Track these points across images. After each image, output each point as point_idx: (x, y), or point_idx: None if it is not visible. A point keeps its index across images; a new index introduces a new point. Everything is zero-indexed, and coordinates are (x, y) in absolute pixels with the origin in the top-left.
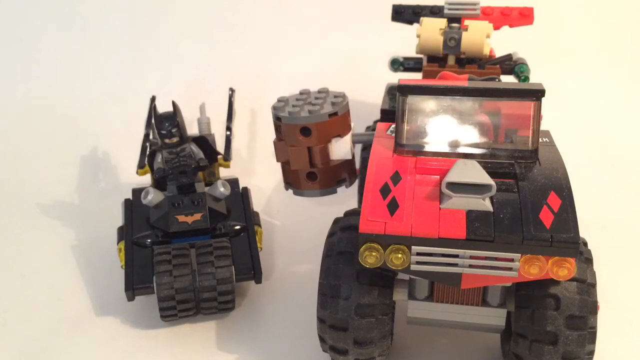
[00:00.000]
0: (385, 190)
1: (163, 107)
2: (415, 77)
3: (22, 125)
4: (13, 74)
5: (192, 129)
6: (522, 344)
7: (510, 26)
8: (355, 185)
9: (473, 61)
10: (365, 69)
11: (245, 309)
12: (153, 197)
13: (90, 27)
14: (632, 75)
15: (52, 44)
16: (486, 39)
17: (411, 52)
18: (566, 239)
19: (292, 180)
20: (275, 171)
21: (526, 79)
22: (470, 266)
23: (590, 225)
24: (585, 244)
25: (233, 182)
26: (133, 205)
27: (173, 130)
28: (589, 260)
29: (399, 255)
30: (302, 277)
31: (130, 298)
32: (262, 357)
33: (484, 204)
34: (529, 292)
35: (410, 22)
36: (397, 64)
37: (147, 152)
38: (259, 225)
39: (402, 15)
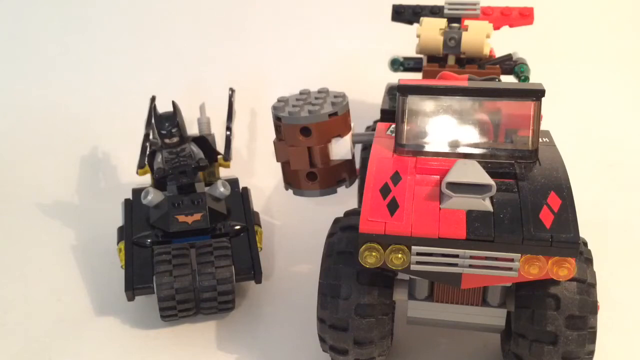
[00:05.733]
0: (385, 190)
1: (163, 107)
2: (415, 77)
3: (22, 125)
4: (13, 73)
5: (192, 129)
6: (522, 344)
7: (510, 26)
8: (355, 185)
9: (473, 61)
10: (365, 69)
11: (245, 309)
12: (153, 197)
13: (90, 27)
14: (632, 75)
15: (53, 44)
16: (486, 39)
17: (411, 52)
18: (566, 239)
19: (292, 180)
20: (275, 171)
21: (526, 79)
22: (470, 266)
23: (590, 225)
24: (585, 244)
25: (233, 182)
26: (133, 205)
27: (173, 130)
28: (589, 260)
29: (399, 255)
30: (302, 277)
31: (130, 298)
32: (262, 357)
33: (484, 204)
34: (529, 292)
35: (410, 22)
36: (397, 64)
37: (147, 152)
38: (259, 225)
39: (402, 15)
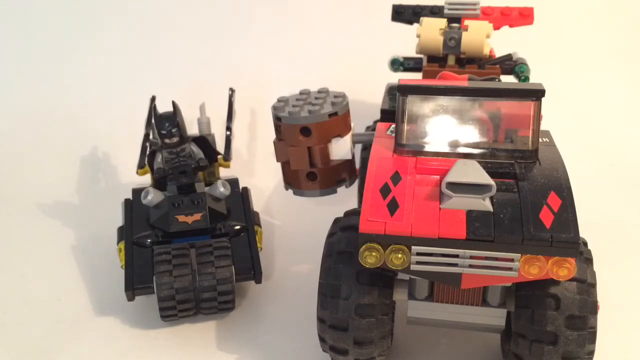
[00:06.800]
0: (385, 190)
1: (163, 107)
2: (415, 77)
3: (22, 125)
4: (13, 74)
5: (192, 129)
6: (522, 344)
7: (510, 26)
8: (355, 185)
9: (473, 61)
10: (365, 69)
11: (245, 309)
12: (153, 197)
13: (91, 27)
14: (632, 75)
15: (53, 44)
16: (486, 39)
17: (411, 52)
18: (566, 239)
19: (292, 180)
20: (275, 171)
21: (526, 79)
22: (470, 266)
23: (590, 225)
24: (585, 244)
25: (233, 182)
26: (133, 205)
27: (173, 130)
28: (589, 260)
29: (399, 255)
30: (302, 277)
31: (130, 298)
32: (262, 357)
33: (484, 204)
34: (529, 292)
35: (410, 22)
36: (397, 64)
37: (147, 152)
38: (259, 225)
39: (402, 15)
